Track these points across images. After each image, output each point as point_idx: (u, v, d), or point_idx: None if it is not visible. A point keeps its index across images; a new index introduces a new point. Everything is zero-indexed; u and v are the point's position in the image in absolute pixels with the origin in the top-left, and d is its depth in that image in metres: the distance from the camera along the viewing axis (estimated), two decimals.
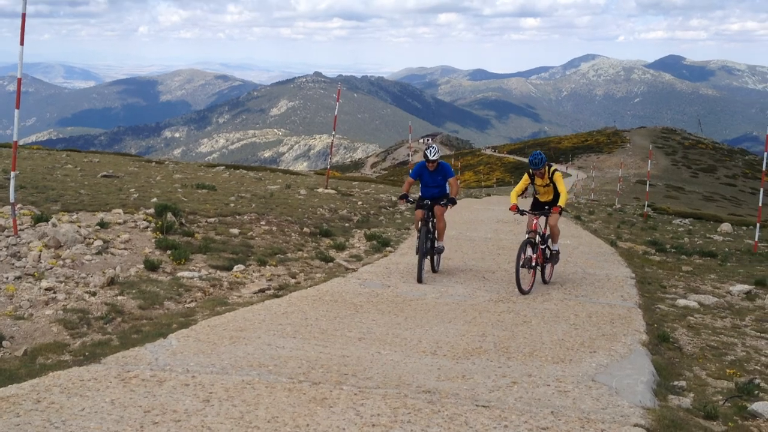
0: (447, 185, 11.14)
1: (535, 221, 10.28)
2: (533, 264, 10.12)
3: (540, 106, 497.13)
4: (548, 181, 10.64)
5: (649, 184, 30.19)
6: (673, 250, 17.02)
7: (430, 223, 10.97)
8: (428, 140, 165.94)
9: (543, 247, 10.55)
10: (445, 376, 6.09)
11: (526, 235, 10.16)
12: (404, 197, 11.14)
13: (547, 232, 10.74)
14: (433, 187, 11.15)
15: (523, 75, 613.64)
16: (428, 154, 10.93)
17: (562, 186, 10.57)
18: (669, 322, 9.01)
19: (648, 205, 30.20)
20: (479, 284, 10.55)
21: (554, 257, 10.93)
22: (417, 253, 10.63)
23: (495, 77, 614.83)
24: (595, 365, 6.61)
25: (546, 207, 10.76)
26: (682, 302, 10.30)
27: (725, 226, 24.91)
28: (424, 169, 11.11)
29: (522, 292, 9.82)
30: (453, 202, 10.91)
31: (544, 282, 10.74)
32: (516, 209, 10.47)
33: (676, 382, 6.55)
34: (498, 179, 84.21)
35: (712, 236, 22.07)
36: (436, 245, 11.21)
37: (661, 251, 16.71)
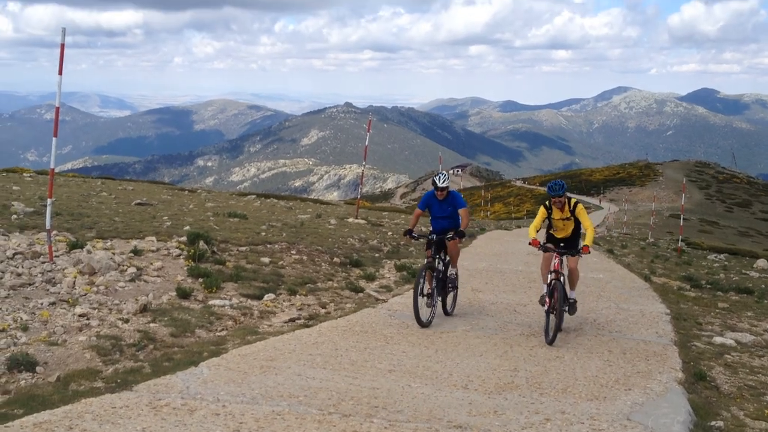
0: (458, 216, 10.16)
1: (557, 260, 9.17)
2: (561, 307, 8.94)
3: (571, 138, 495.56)
4: (569, 215, 9.46)
5: (683, 218, 29.79)
6: (708, 286, 16.74)
7: (438, 261, 9.93)
8: (458, 171, 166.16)
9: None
10: (477, 411, 6.01)
11: (550, 277, 9.16)
12: (409, 233, 10.07)
13: (564, 273, 9.44)
14: (442, 219, 10.21)
15: (553, 107, 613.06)
16: (437, 181, 9.96)
17: (588, 220, 9.42)
18: (705, 360, 8.82)
19: (682, 240, 29.81)
20: (510, 317, 10.45)
21: (572, 307, 9.51)
22: (414, 293, 9.35)
23: (525, 108, 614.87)
24: (630, 403, 6.48)
25: (562, 245, 9.57)
26: (718, 340, 10.10)
27: (761, 262, 24.47)
28: (432, 198, 10.20)
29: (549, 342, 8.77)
30: (461, 234, 9.89)
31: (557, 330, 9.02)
32: (538, 244, 9.31)
33: (713, 422, 6.38)
34: (528, 211, 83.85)
35: (748, 272, 21.70)
36: (448, 273, 10.17)
37: (696, 287, 16.44)
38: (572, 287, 9.61)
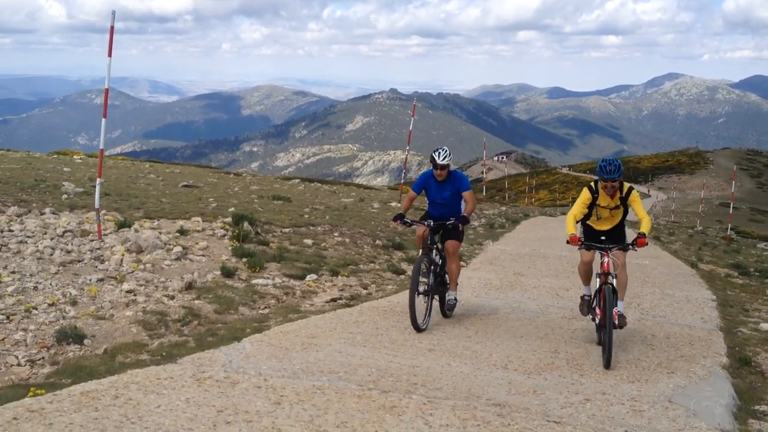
0: (462, 203, 8.50)
1: (606, 258, 7.44)
2: (612, 323, 7.04)
3: (620, 125, 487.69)
4: (618, 203, 7.75)
5: (733, 207, 29.16)
6: (757, 274, 16.39)
7: (435, 253, 8.34)
8: (503, 158, 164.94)
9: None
10: (516, 390, 6.01)
11: (597, 280, 7.51)
12: (400, 218, 8.32)
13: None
14: (442, 205, 8.47)
15: (601, 93, 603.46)
16: (436, 157, 8.19)
17: (643, 210, 7.76)
18: (751, 345, 8.66)
19: (731, 228, 29.18)
20: (552, 301, 10.38)
21: (620, 319, 7.35)
22: (410, 292, 7.77)
23: (573, 95, 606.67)
24: (672, 386, 6.41)
25: (603, 237, 7.85)
26: (765, 326, 9.89)
27: None
28: (430, 179, 8.45)
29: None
30: (465, 220, 8.26)
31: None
32: (578, 241, 7.54)
33: (757, 407, 6.28)
34: (573, 198, 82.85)
35: None
36: (447, 296, 8.58)
37: (744, 275, 16.11)
38: (620, 295, 7.55)
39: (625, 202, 7.77)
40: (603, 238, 7.86)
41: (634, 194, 7.76)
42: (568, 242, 7.53)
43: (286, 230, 14.04)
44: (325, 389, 5.67)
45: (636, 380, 6.55)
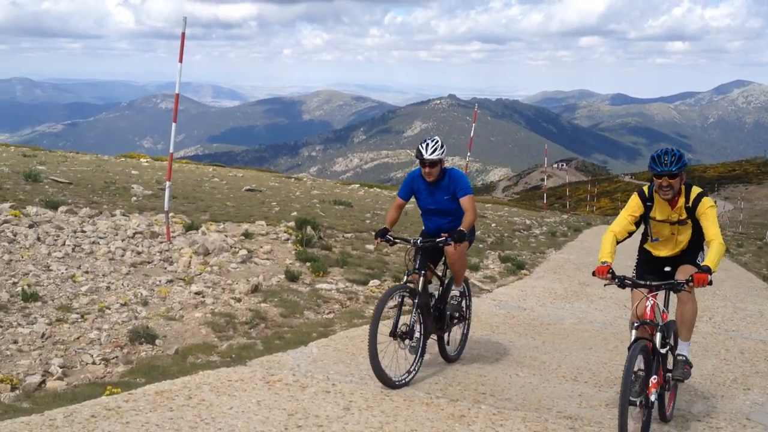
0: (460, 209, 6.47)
1: (650, 303, 5.12)
2: (647, 399, 4.92)
3: (685, 133, 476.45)
4: (684, 214, 5.46)
5: None
6: None
7: (425, 281, 6.34)
8: (563, 165, 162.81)
9: (664, 351, 5.27)
10: (587, 403, 5.90)
11: (632, 333, 5.12)
12: (382, 234, 6.35)
13: (667, 317, 5.37)
14: (437, 214, 6.62)
15: (665, 100, 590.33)
16: (423, 150, 6.30)
17: (716, 226, 5.30)
18: None
19: None
20: (620, 312, 10.17)
21: (679, 368, 5.52)
22: (370, 332, 5.79)
23: (636, 102, 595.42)
24: (749, 403, 6.21)
25: (668, 269, 5.64)
26: None
27: None
28: (418, 180, 6.56)
29: None
30: (461, 236, 6.11)
31: (664, 420, 5.49)
32: (608, 273, 5.18)
33: None
34: None
35: None
36: (450, 295, 6.82)
37: None
38: (684, 335, 5.61)
39: (693, 214, 5.42)
40: (667, 269, 5.65)
41: (705, 203, 5.36)
42: (594, 274, 5.26)
43: (348, 235, 14.10)
44: (393, 396, 5.66)
45: (711, 396, 6.37)
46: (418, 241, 6.31)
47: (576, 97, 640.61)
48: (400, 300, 6.14)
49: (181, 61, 11.00)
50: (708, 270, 4.96)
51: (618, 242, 5.51)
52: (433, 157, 6.24)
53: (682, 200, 5.44)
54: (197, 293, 8.83)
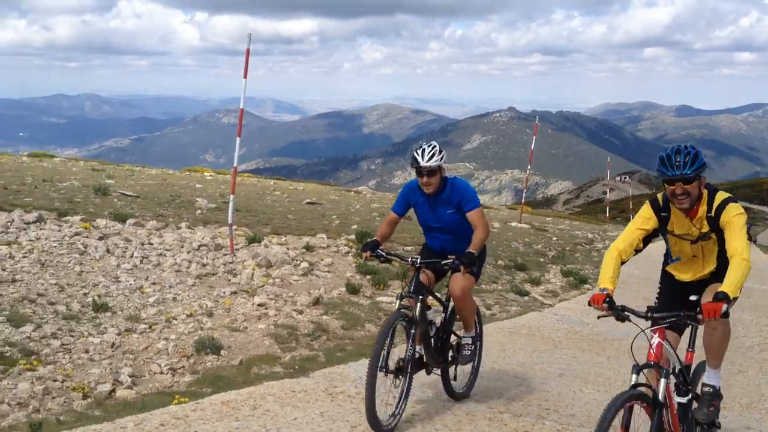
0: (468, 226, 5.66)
1: (656, 339, 4.25)
2: None
3: (754, 145, 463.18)
4: (706, 227, 4.52)
5: None
6: None
7: (423, 307, 5.47)
8: (625, 178, 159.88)
9: (684, 400, 4.58)
10: None
11: (632, 378, 4.09)
12: (371, 248, 5.71)
13: (691, 363, 4.73)
14: (439, 231, 5.84)
15: (732, 111, 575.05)
16: (418, 157, 5.51)
17: (740, 239, 4.29)
18: None
19: None
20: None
21: (707, 408, 4.71)
22: (369, 367, 4.99)
23: (702, 113, 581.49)
24: None
25: (693, 298, 4.55)
26: None
27: None
28: (415, 192, 5.80)
29: None
30: (471, 259, 5.31)
31: None
32: (603, 302, 4.23)
33: None
34: None
35: None
36: (463, 344, 5.92)
37: None
38: (713, 363, 4.87)
39: (717, 225, 4.44)
40: (693, 298, 4.54)
41: (731, 211, 4.37)
42: (589, 304, 4.35)
43: (408, 248, 14.12)
44: (455, 410, 5.65)
45: None
46: (418, 260, 5.51)
47: (639, 109, 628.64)
48: (396, 328, 5.26)
49: (245, 77, 11.22)
50: (724, 297, 3.92)
51: (623, 262, 4.59)
52: (431, 164, 5.43)
53: (703, 209, 4.44)
54: (260, 305, 8.98)
